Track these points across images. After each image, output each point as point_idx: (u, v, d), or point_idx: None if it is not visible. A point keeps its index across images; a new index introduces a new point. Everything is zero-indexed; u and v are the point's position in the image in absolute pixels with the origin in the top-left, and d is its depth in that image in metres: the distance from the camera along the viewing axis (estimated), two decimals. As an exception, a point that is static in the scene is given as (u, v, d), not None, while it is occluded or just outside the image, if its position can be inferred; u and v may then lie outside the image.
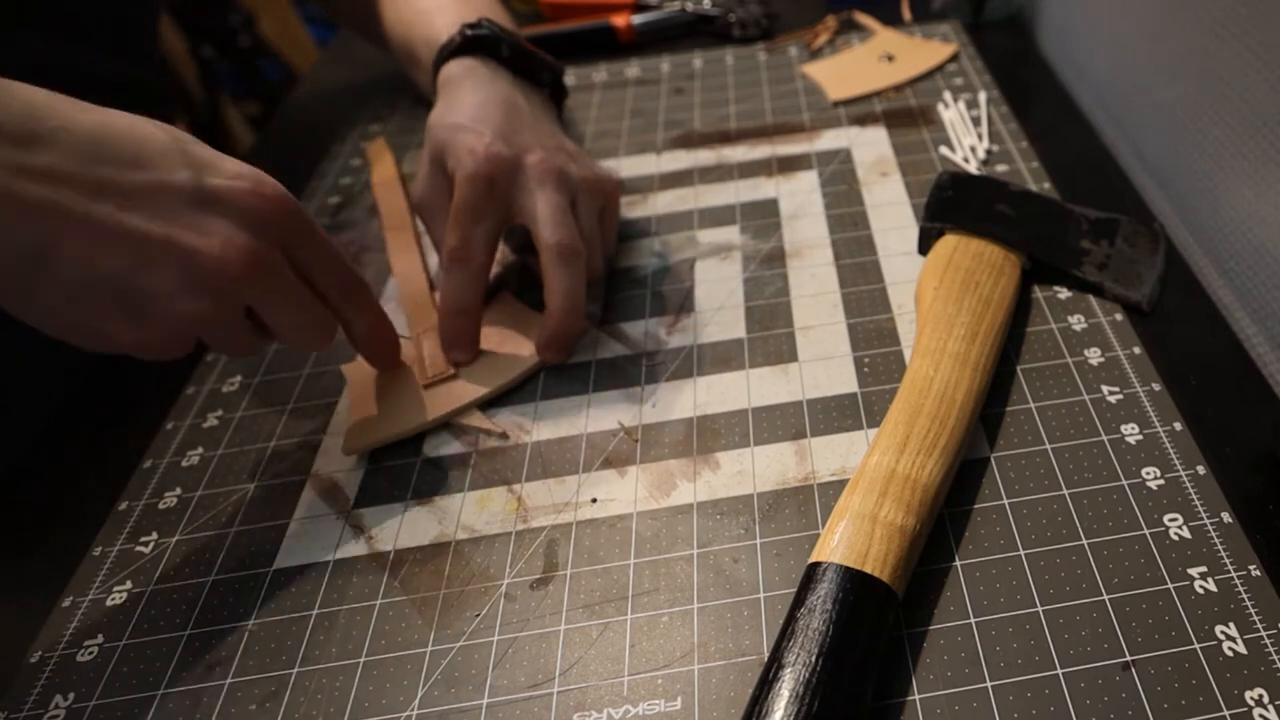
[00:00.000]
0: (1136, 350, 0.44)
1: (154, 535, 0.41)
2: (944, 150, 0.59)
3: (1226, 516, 0.36)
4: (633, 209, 0.58)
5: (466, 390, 0.45)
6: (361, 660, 0.35)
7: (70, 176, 0.32)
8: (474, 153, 0.45)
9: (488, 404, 0.45)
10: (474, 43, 0.53)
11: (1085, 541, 0.36)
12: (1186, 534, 0.36)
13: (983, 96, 0.63)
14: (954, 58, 0.69)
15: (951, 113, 0.62)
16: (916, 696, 0.32)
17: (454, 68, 0.52)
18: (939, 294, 0.43)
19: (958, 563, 0.36)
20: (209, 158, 0.35)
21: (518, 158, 0.46)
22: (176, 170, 0.34)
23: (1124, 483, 0.38)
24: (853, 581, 0.32)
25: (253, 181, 0.36)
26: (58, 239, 0.32)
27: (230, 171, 0.36)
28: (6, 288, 0.32)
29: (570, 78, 0.74)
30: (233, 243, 0.34)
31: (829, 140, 0.62)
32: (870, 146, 0.61)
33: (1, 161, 0.30)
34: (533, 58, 0.55)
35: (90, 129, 0.33)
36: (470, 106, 0.48)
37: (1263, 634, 0.32)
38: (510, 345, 0.47)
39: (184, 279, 0.34)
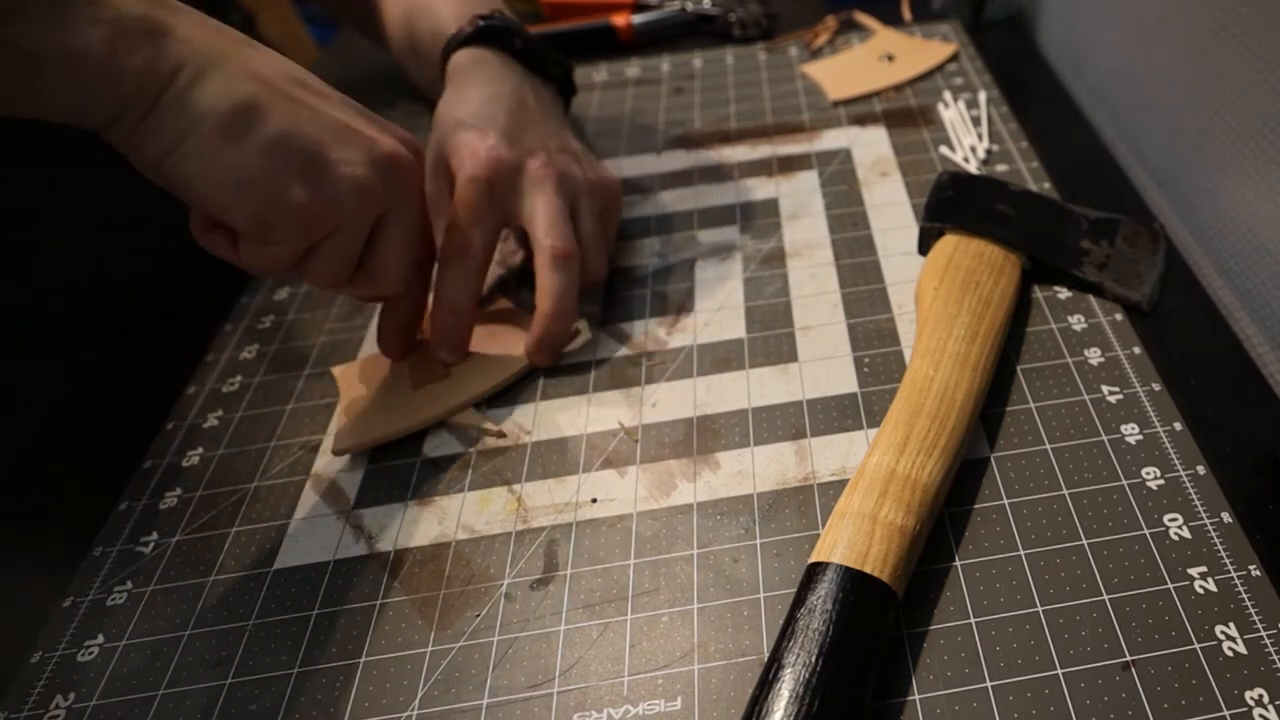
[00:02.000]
0: (1136, 350, 0.44)
1: (154, 535, 0.41)
2: (944, 150, 0.59)
3: (1226, 516, 0.36)
4: (633, 209, 0.58)
5: (457, 391, 0.45)
6: (361, 660, 0.35)
7: (280, 73, 0.37)
8: (475, 155, 0.45)
9: (485, 403, 0.45)
10: (486, 33, 0.52)
11: (1085, 541, 0.36)
12: (1186, 534, 0.36)
13: (983, 96, 0.63)
14: (954, 58, 0.69)
15: (951, 113, 0.62)
16: (916, 696, 0.32)
17: (464, 57, 0.51)
18: (939, 294, 0.43)
19: (958, 563, 0.36)
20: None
21: (520, 160, 0.46)
22: (350, 116, 0.40)
23: (1124, 483, 0.38)
24: (853, 581, 0.32)
25: (399, 144, 0.41)
26: (270, 102, 0.36)
27: (399, 134, 0.42)
28: (212, 131, 0.35)
29: (570, 78, 0.74)
30: (402, 147, 0.41)
31: (829, 140, 0.62)
32: (870, 146, 0.61)
33: (230, 39, 0.36)
34: (545, 52, 0.54)
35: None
36: (477, 101, 0.48)
37: (1263, 634, 0.32)
38: (502, 346, 0.47)
39: (365, 156, 0.39)
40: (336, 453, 0.43)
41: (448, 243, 0.45)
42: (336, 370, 0.48)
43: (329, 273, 0.40)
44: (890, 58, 0.70)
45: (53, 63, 0.31)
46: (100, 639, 0.37)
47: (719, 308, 0.49)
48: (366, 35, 0.70)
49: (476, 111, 0.47)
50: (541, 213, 0.46)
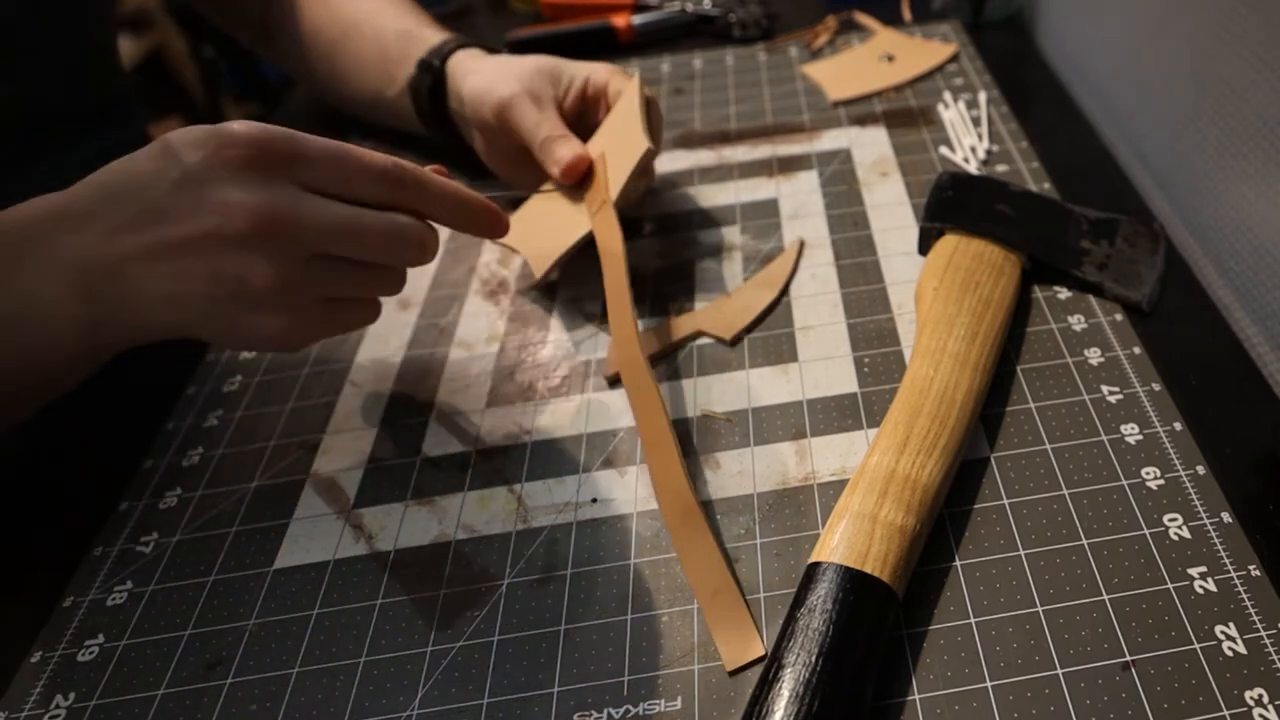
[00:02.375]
0: (1136, 350, 0.44)
1: (154, 535, 0.41)
2: (944, 150, 0.59)
3: (1226, 516, 0.36)
4: (633, 209, 0.58)
5: (600, 192, 0.49)
6: (361, 660, 0.35)
7: (126, 224, 0.35)
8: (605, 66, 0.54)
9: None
10: (473, 45, 0.58)
11: (1085, 541, 0.36)
12: (1186, 534, 0.36)
13: (983, 96, 0.63)
14: (954, 58, 0.69)
15: (951, 113, 0.62)
16: (916, 696, 0.32)
17: (463, 55, 0.57)
18: (939, 294, 0.43)
19: (958, 563, 0.36)
20: (184, 141, 0.35)
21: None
22: (161, 174, 0.35)
23: (1124, 483, 0.38)
24: (853, 581, 0.32)
25: (216, 138, 0.35)
26: (168, 276, 0.35)
27: (198, 139, 0.35)
28: (186, 328, 0.37)
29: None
30: (241, 203, 0.34)
31: (829, 140, 0.62)
32: (870, 147, 0.61)
33: (95, 233, 0.35)
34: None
35: (90, 192, 0.36)
36: (516, 60, 0.55)
37: (1262, 634, 0.32)
38: (616, 144, 0.51)
39: (239, 254, 0.35)
40: (540, 282, 0.50)
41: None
42: (504, 240, 0.52)
43: (384, 245, 0.38)
44: (890, 58, 0.70)
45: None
46: (100, 639, 0.37)
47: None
48: (315, 86, 0.71)
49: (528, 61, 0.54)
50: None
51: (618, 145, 0.51)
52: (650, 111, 0.52)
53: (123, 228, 0.35)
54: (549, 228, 0.52)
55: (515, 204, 0.55)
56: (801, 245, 0.52)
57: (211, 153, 0.34)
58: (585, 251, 0.49)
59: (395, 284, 0.41)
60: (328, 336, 0.40)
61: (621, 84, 0.54)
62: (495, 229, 0.42)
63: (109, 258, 0.35)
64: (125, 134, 0.63)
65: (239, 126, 0.35)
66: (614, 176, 0.50)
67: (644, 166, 0.50)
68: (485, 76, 0.54)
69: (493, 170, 0.58)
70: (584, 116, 0.56)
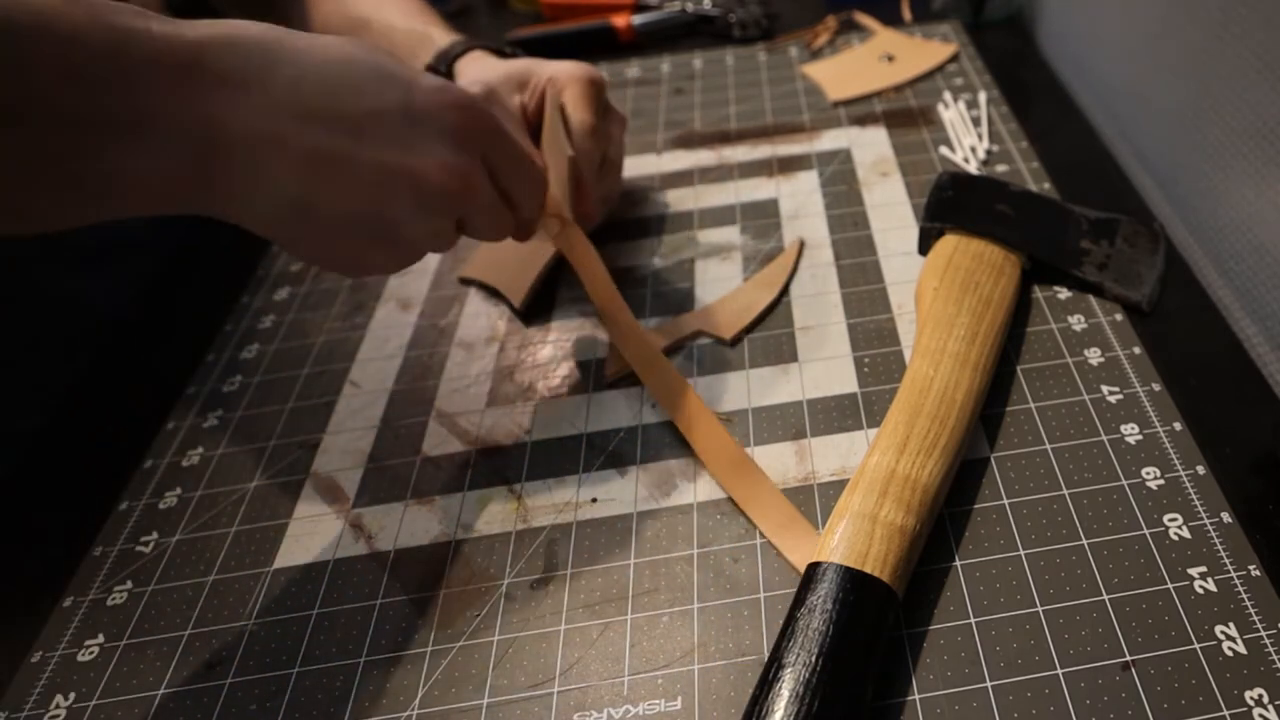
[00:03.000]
0: (1136, 350, 0.44)
1: (154, 535, 0.41)
2: (944, 150, 0.59)
3: (1226, 516, 0.36)
4: (633, 209, 0.58)
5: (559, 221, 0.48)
6: (361, 660, 0.35)
7: (311, 114, 0.33)
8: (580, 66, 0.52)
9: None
10: (480, 46, 0.57)
11: (1085, 541, 0.36)
12: (1186, 534, 0.36)
13: (983, 96, 0.63)
14: (954, 58, 0.69)
15: (951, 113, 0.62)
16: (916, 696, 0.32)
17: (468, 60, 0.56)
18: (939, 294, 0.43)
19: (958, 563, 0.36)
20: (407, 74, 0.36)
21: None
22: (386, 91, 0.35)
23: (1124, 483, 0.38)
24: (853, 581, 0.32)
25: (453, 96, 0.36)
26: (308, 185, 0.33)
27: (429, 86, 0.36)
28: (281, 235, 0.35)
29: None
30: (448, 165, 0.36)
31: (829, 140, 0.62)
32: (870, 147, 0.61)
33: (258, 108, 0.32)
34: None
35: (316, 64, 0.33)
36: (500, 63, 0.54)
37: (1262, 634, 0.32)
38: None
39: (417, 204, 0.36)
40: (521, 309, 0.50)
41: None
42: (463, 271, 0.54)
43: (440, 249, 0.40)
44: (890, 58, 0.70)
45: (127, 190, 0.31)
46: (100, 639, 0.37)
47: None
48: None
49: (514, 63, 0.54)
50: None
51: (553, 159, 0.49)
52: (573, 114, 0.50)
53: (302, 115, 0.32)
54: (515, 255, 0.52)
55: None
56: (801, 245, 0.52)
57: (443, 103, 0.35)
58: None
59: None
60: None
61: (581, 86, 0.51)
62: (526, 238, 0.46)
63: (250, 126, 0.32)
64: None
65: (475, 90, 0.38)
66: (557, 193, 0.48)
67: (575, 175, 0.48)
68: (466, 81, 0.54)
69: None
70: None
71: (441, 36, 0.59)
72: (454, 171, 0.36)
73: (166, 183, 0.31)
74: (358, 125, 0.34)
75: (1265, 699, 0.31)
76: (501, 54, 0.58)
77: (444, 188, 0.36)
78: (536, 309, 0.51)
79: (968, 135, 0.60)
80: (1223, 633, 0.33)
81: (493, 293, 0.52)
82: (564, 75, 0.52)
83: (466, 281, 0.54)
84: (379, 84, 0.34)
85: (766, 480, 0.39)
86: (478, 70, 0.55)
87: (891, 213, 0.54)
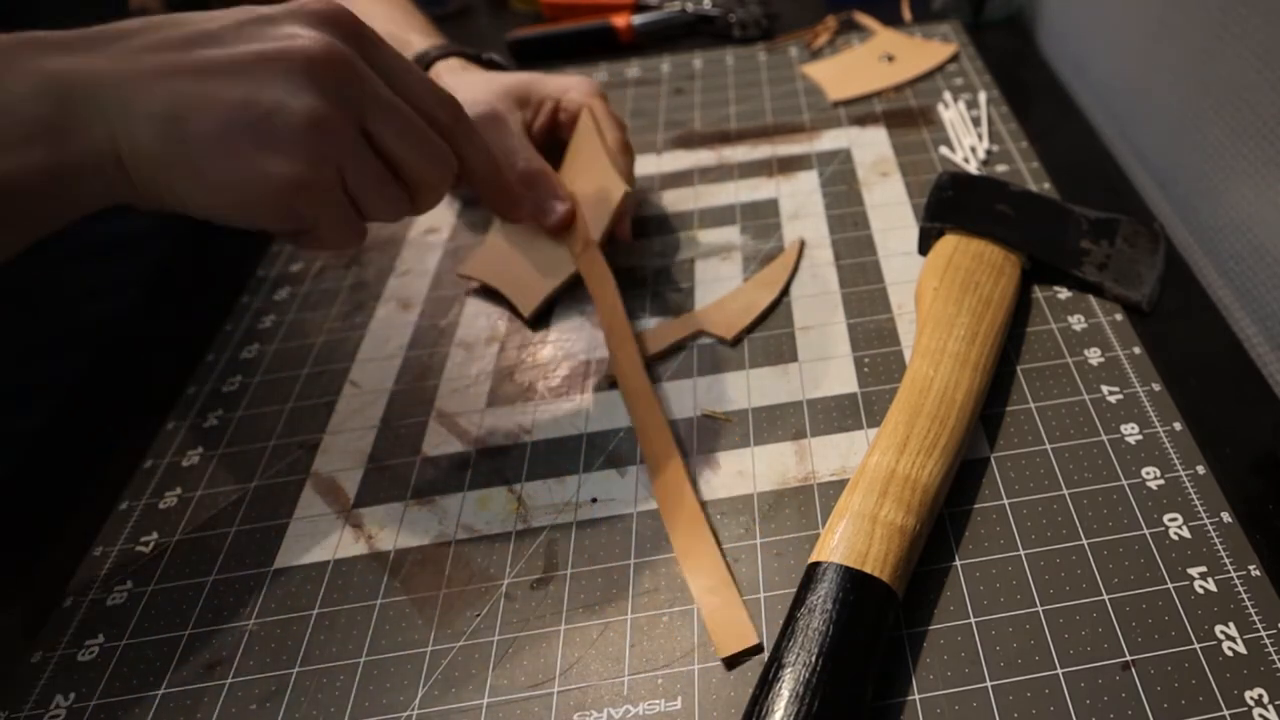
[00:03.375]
0: (1136, 350, 0.44)
1: (154, 535, 0.41)
2: (944, 150, 0.59)
3: (1226, 516, 0.36)
4: (634, 209, 0.58)
5: (582, 233, 0.50)
6: (361, 660, 0.35)
7: (163, 43, 0.33)
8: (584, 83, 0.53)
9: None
10: (456, 52, 0.57)
11: (1085, 541, 0.36)
12: (1186, 534, 0.36)
13: (983, 96, 0.63)
14: (954, 58, 0.69)
15: (951, 113, 0.62)
16: (916, 696, 0.32)
17: (444, 66, 0.56)
18: (939, 294, 0.43)
19: (958, 563, 0.36)
20: (260, 6, 0.35)
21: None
22: (232, 15, 0.34)
23: (1124, 483, 0.38)
24: (853, 581, 0.32)
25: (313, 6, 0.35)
26: (178, 96, 0.32)
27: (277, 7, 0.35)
28: (169, 171, 0.33)
29: (570, 78, 0.74)
30: (312, 37, 0.34)
31: (829, 140, 0.62)
32: (870, 147, 0.61)
33: (107, 56, 0.32)
34: (503, 68, 0.60)
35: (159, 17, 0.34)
36: (492, 77, 0.54)
37: (1262, 634, 0.32)
38: (594, 186, 0.51)
39: (288, 82, 0.33)
40: (530, 319, 0.49)
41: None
42: (466, 269, 0.53)
43: (385, 206, 0.37)
44: (890, 58, 0.70)
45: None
46: (100, 638, 0.37)
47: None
48: None
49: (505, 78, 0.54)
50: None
51: (591, 185, 0.50)
52: (605, 134, 0.52)
53: (144, 49, 0.32)
54: (528, 263, 0.51)
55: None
56: (802, 245, 0.52)
57: (292, 7, 0.35)
58: None
59: (401, 208, 0.38)
60: (308, 232, 0.36)
61: (602, 105, 0.53)
62: (514, 212, 0.46)
63: (106, 69, 0.32)
64: None
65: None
66: (594, 220, 0.50)
67: (623, 209, 0.50)
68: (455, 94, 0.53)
69: (453, 195, 0.59)
70: (554, 133, 0.55)
71: (420, 41, 0.58)
72: (320, 40, 0.34)
73: (29, 150, 0.31)
74: (216, 34, 0.33)
75: (1265, 699, 0.31)
76: (479, 60, 0.57)
77: (309, 56, 0.33)
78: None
79: (968, 135, 0.60)
80: (1223, 633, 0.33)
81: (494, 293, 0.52)
82: (579, 93, 0.51)
83: (467, 278, 0.53)
84: (216, 16, 0.34)
85: (708, 538, 0.37)
86: (465, 84, 0.53)
87: (891, 213, 0.54)
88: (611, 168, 0.50)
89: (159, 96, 0.32)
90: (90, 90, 0.31)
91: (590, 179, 0.51)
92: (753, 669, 0.33)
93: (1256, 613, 0.33)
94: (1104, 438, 0.40)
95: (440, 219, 0.59)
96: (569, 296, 0.51)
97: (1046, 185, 0.55)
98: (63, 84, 0.31)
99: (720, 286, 0.51)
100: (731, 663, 0.34)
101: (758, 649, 0.34)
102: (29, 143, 0.31)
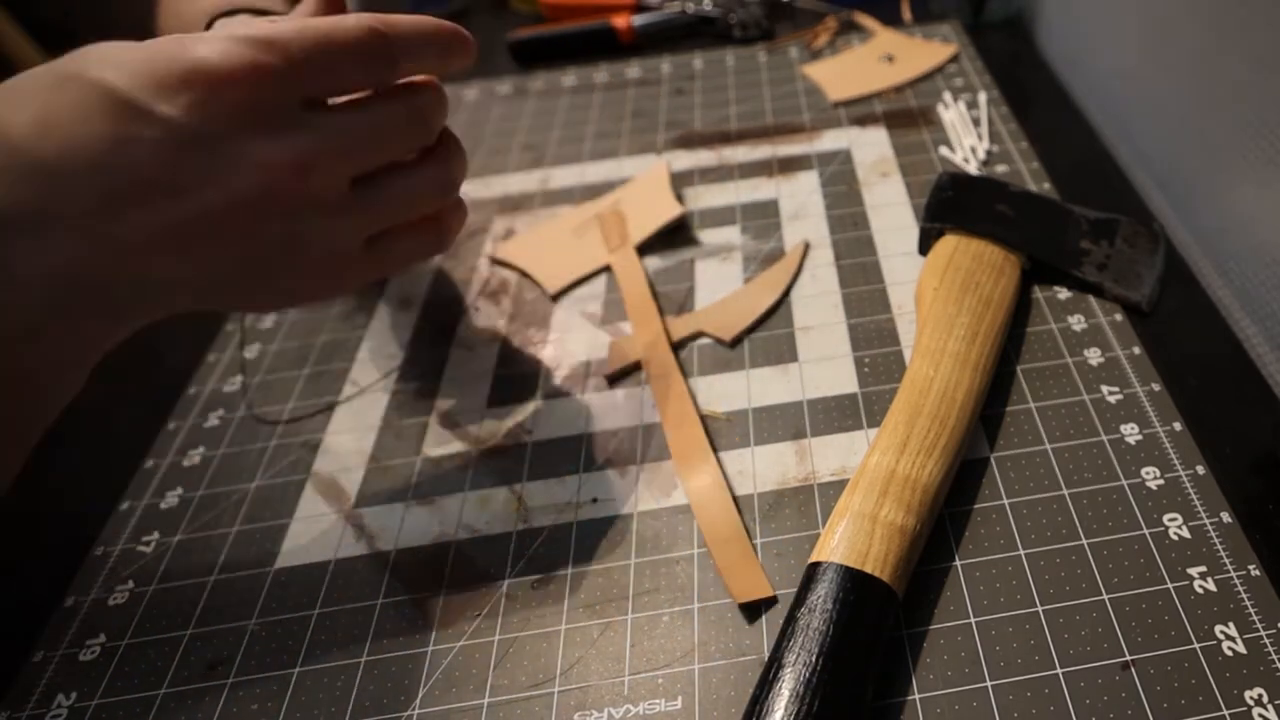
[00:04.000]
0: (1136, 350, 0.44)
1: (155, 535, 0.41)
2: (944, 151, 0.59)
3: (1226, 516, 0.36)
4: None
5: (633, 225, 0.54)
6: (361, 660, 0.35)
7: (93, 221, 0.28)
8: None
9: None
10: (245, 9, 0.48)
11: (1085, 541, 0.36)
12: (1186, 534, 0.36)
13: (983, 97, 0.63)
14: (954, 58, 0.69)
15: (951, 113, 0.62)
16: (916, 696, 0.32)
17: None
18: (939, 294, 0.43)
19: (958, 563, 0.36)
20: (143, 87, 0.27)
21: None
22: (140, 135, 0.27)
23: (1124, 483, 0.38)
24: (853, 581, 0.32)
25: (196, 78, 0.27)
26: (184, 267, 0.30)
27: (165, 83, 0.27)
28: (219, 303, 0.33)
29: (571, 78, 0.74)
30: (268, 166, 0.29)
31: (829, 141, 0.62)
32: (870, 147, 0.61)
33: (66, 235, 0.27)
34: None
35: (25, 170, 0.27)
36: None
37: (1262, 634, 0.32)
38: (650, 201, 0.56)
39: (280, 221, 0.30)
40: (553, 295, 0.51)
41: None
42: (500, 253, 0.55)
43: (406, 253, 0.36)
44: (890, 58, 0.70)
45: None
46: (102, 638, 0.37)
47: (719, 308, 0.49)
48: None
49: None
50: None
51: (646, 203, 0.56)
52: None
53: (105, 212, 0.27)
54: (560, 252, 0.54)
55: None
56: (806, 248, 0.52)
57: (202, 100, 0.27)
58: None
59: (444, 187, 0.35)
60: (382, 276, 0.36)
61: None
62: (466, 52, 0.35)
63: (102, 259, 0.28)
64: None
65: (213, 56, 0.27)
66: (639, 226, 0.54)
67: (669, 226, 0.54)
68: None
69: None
70: None
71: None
72: (293, 162, 0.29)
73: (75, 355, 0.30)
74: (155, 192, 0.28)
75: (1265, 699, 0.31)
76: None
77: (302, 181, 0.30)
78: (536, 309, 0.51)
79: (968, 135, 0.60)
80: (1222, 632, 0.33)
81: (496, 292, 0.52)
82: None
83: (500, 263, 0.55)
84: (114, 137, 0.27)
85: (724, 490, 0.39)
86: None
87: (891, 213, 0.54)
88: (671, 191, 0.56)
89: (173, 262, 0.30)
90: (98, 286, 0.29)
91: (648, 192, 0.56)
92: (753, 669, 0.33)
93: (1256, 613, 0.33)
94: (1104, 438, 0.40)
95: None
96: (570, 297, 0.51)
97: (1046, 185, 0.55)
98: (67, 289, 0.28)
99: (720, 286, 0.51)
100: (749, 613, 0.35)
101: (773, 600, 0.35)
102: (44, 360, 0.30)
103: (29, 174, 0.26)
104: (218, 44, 0.27)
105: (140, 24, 0.58)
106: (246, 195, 0.29)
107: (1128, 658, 0.32)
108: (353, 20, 0.30)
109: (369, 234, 0.34)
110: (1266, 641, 0.32)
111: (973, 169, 0.57)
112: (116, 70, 0.27)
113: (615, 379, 0.46)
